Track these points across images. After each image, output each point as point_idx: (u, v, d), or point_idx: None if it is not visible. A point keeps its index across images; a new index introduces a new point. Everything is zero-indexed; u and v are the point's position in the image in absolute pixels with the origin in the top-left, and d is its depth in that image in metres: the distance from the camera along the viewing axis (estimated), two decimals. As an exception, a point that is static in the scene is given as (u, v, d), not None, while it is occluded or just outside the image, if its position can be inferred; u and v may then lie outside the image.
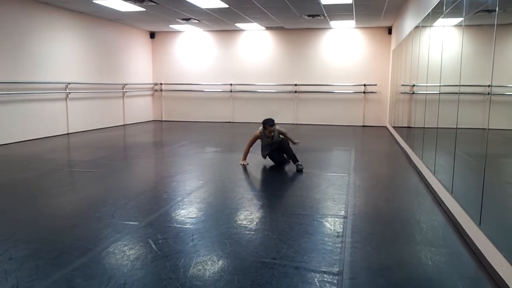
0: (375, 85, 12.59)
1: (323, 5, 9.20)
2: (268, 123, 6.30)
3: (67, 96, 10.19)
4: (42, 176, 5.75)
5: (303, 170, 6.02)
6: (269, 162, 6.53)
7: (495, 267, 2.75)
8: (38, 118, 9.33)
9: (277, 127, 6.41)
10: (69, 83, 10.19)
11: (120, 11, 10.04)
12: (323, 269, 2.86)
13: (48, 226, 3.80)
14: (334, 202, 4.50)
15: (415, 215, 4.16)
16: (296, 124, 13.14)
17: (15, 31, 8.66)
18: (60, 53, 9.95)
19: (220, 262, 2.97)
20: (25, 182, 5.41)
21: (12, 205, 4.44)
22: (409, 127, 7.52)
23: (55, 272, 2.80)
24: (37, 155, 7.37)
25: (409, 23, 8.04)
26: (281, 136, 6.49)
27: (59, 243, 3.30)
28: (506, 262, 2.58)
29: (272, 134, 6.34)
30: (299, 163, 6.12)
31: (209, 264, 2.94)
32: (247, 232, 3.63)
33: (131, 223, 3.79)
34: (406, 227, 3.81)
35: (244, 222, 3.89)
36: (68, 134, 10.16)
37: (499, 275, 2.67)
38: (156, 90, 14.31)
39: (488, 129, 3.12)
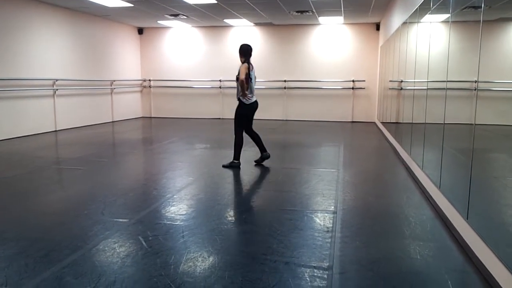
0: (364, 81, 12.66)
1: (312, 1, 9.21)
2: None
3: (55, 92, 10.09)
4: (30, 173, 5.70)
5: (229, 166, 6.02)
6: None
7: (482, 260, 2.80)
8: (26, 115, 9.23)
9: (244, 65, 5.77)
10: (57, 80, 10.08)
11: (107, 6, 9.94)
12: (313, 264, 2.88)
13: (37, 223, 3.77)
14: (324, 198, 4.53)
15: (404, 210, 4.20)
16: (286, 120, 13.17)
17: (1, 27, 8.53)
18: (47, 49, 9.84)
19: (211, 258, 2.98)
20: (13, 180, 5.35)
21: (0, 203, 4.40)
22: (397, 122, 7.58)
23: (45, 270, 2.78)
24: (25, 153, 7.29)
25: (396, 19, 8.09)
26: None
27: (48, 241, 3.28)
28: (492, 255, 2.63)
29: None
30: (234, 161, 6.04)
31: (199, 260, 2.94)
32: (238, 228, 3.64)
33: (120, 220, 3.78)
34: (395, 221, 3.85)
35: (234, 218, 3.90)
36: (56, 131, 10.07)
37: (485, 267, 2.71)
38: (144, 87, 14.23)
39: (475, 124, 3.16)
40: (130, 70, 13.51)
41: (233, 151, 6.06)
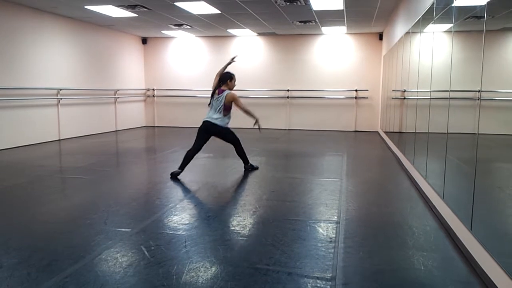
0: (367, 90, 12.67)
1: (315, 11, 9.26)
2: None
3: (59, 102, 10.14)
4: (33, 182, 5.71)
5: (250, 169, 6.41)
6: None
7: (486, 271, 2.77)
8: (30, 124, 9.27)
9: (227, 92, 6.01)
10: (61, 89, 10.14)
11: (111, 16, 10.02)
12: (316, 275, 2.87)
13: (40, 233, 3.77)
14: (327, 208, 4.51)
15: (407, 220, 4.18)
16: (289, 129, 13.18)
17: (5, 37, 8.61)
18: (52, 59, 9.91)
19: (213, 269, 2.96)
20: (16, 189, 5.36)
21: (3, 212, 4.40)
22: (400, 132, 7.57)
23: (47, 279, 2.78)
24: (28, 162, 7.31)
25: (399, 29, 8.11)
26: (226, 103, 6.00)
27: (50, 250, 3.28)
28: (496, 266, 2.61)
29: (214, 84, 6.15)
30: (249, 164, 6.44)
31: (202, 270, 2.93)
32: (240, 238, 3.63)
33: (123, 229, 3.77)
34: (398, 232, 3.83)
35: (237, 228, 3.89)
36: (59, 140, 10.10)
37: (490, 279, 2.69)
38: (148, 96, 14.29)
39: (478, 134, 3.15)
40: (134, 79, 13.59)
41: (241, 160, 6.49)
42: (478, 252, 2.95)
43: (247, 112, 6.07)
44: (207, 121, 6.14)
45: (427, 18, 5.22)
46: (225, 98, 6.00)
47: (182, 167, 5.99)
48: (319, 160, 7.81)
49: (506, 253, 2.59)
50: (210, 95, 6.22)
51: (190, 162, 6.03)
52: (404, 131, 7.04)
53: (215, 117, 6.08)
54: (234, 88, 6.19)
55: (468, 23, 3.60)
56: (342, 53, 12.83)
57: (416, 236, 3.69)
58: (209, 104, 6.20)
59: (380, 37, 12.46)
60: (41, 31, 9.56)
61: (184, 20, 10.60)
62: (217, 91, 6.12)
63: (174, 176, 5.91)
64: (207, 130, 6.14)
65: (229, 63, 6.53)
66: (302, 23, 10.87)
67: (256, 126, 6.13)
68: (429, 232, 3.81)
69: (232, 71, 6.20)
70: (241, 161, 6.47)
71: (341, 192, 5.16)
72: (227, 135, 6.20)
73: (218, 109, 6.05)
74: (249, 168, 6.46)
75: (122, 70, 12.91)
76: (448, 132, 4.03)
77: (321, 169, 6.95)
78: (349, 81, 12.80)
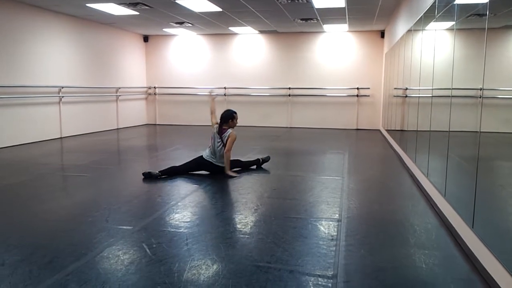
0: (368, 88, 12.65)
1: (316, 9, 9.24)
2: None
3: (60, 100, 10.14)
4: (34, 180, 5.71)
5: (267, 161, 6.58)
6: (263, 165, 6.54)
7: (487, 269, 2.77)
8: (31, 122, 9.28)
9: (229, 131, 5.96)
10: (62, 87, 10.15)
11: (113, 14, 10.02)
12: (318, 273, 2.87)
13: (41, 231, 3.77)
14: (328, 206, 4.51)
15: (409, 218, 4.18)
16: (290, 127, 13.17)
17: (7, 35, 8.62)
18: (53, 57, 9.92)
19: (215, 266, 2.97)
20: (18, 187, 5.37)
21: (4, 210, 4.41)
22: (402, 130, 7.56)
23: (49, 277, 2.78)
24: (30, 160, 7.32)
25: (401, 27, 8.09)
26: (223, 140, 5.93)
27: (52, 248, 3.28)
28: (498, 264, 2.60)
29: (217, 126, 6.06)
30: (261, 158, 6.57)
31: (203, 268, 2.93)
32: (242, 236, 3.63)
33: (125, 227, 3.78)
34: (399, 230, 3.83)
35: (239, 226, 3.89)
36: (61, 138, 10.11)
37: (491, 277, 2.69)
38: (149, 94, 14.29)
39: (480, 132, 3.15)
40: (135, 77, 13.59)
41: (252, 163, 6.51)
42: (480, 250, 2.95)
43: (227, 157, 5.92)
44: (208, 161, 5.99)
45: (429, 16, 5.20)
46: (227, 137, 5.94)
47: (162, 173, 5.82)
48: (321, 158, 7.81)
49: (508, 251, 2.58)
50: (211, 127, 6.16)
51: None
52: (406, 129, 7.03)
53: (217, 159, 6.00)
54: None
55: (470, 21, 3.59)
56: (343, 51, 12.81)
57: (417, 234, 3.69)
58: (209, 146, 6.06)
59: (382, 35, 12.43)
60: (42, 29, 9.56)
61: (186, 18, 10.59)
62: (215, 129, 6.06)
63: (148, 174, 5.73)
64: (204, 167, 6.06)
65: (213, 100, 6.55)
66: (304, 21, 10.85)
67: (231, 174, 5.95)
68: (431, 230, 3.81)
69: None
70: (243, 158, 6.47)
71: (343, 190, 5.16)
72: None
73: (220, 152, 5.95)
74: (262, 163, 6.55)
75: (123, 68, 12.91)
76: (450, 130, 4.02)
77: (322, 167, 6.95)
78: (351, 79, 12.78)
